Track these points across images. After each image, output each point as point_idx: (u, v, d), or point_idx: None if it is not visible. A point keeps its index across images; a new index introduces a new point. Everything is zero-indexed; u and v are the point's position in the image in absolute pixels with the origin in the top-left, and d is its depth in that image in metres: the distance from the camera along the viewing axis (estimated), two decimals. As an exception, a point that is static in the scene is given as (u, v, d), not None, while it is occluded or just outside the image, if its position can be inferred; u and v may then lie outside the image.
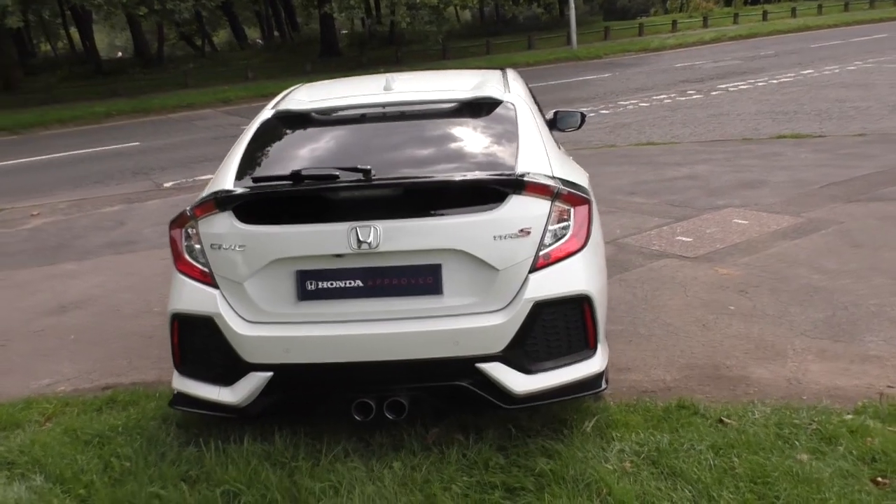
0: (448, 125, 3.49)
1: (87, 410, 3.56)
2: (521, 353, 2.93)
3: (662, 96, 15.92)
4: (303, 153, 3.41)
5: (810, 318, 4.39)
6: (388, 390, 2.93)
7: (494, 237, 2.90)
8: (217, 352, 3.01)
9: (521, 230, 2.93)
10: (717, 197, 7.29)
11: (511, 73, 4.29)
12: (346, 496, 2.67)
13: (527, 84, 4.60)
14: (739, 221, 6.42)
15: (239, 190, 3.08)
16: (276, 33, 35.57)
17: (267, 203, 3.04)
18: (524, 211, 2.95)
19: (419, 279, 2.93)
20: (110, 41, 54.18)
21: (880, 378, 3.67)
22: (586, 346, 3.06)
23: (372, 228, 2.88)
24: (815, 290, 4.81)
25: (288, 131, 3.64)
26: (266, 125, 3.65)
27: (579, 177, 3.43)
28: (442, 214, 2.94)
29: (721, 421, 3.20)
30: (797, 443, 2.98)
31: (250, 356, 2.95)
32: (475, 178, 3.03)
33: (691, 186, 7.84)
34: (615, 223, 6.64)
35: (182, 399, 3.14)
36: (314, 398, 3.05)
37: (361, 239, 2.87)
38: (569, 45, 27.42)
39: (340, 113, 3.64)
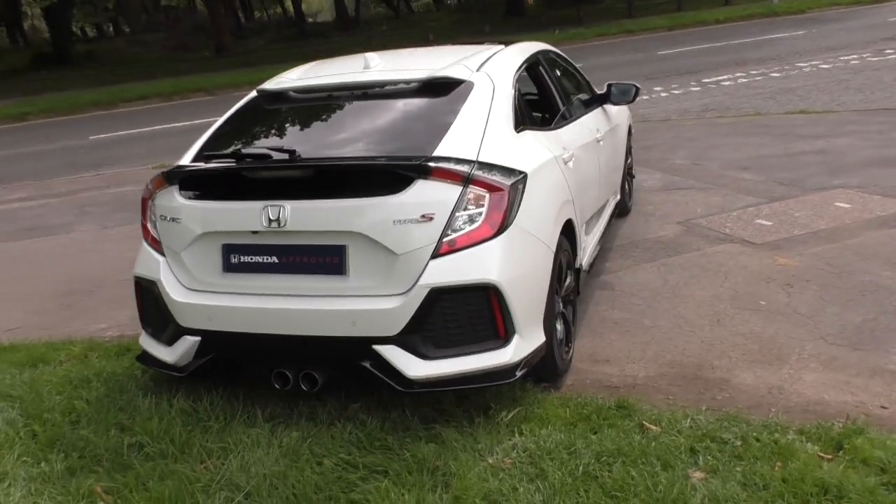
0: (401, 106, 3.50)
1: (100, 356, 4.04)
2: (419, 338, 2.94)
3: (851, 56, 14.25)
4: (260, 132, 3.59)
5: (842, 321, 3.92)
6: (301, 363, 3.07)
7: (394, 222, 2.91)
8: (161, 314, 3.31)
9: (424, 215, 2.91)
10: (836, 176, 6.55)
11: (509, 51, 4.12)
12: (230, 458, 2.87)
13: (546, 61, 4.44)
14: (841, 205, 5.75)
15: (189, 166, 3.33)
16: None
17: (202, 180, 3.27)
18: (428, 196, 2.92)
19: (325, 259, 3.02)
20: (323, 5, 57.34)
21: (879, 396, 3.23)
22: (494, 337, 3.00)
23: (280, 208, 3.01)
24: (872, 289, 4.26)
25: (262, 110, 3.82)
26: (248, 103, 3.87)
27: (526, 163, 3.27)
28: (347, 197, 2.99)
29: (642, 426, 3.01)
30: (702, 459, 2.74)
31: (183, 321, 3.22)
32: (382, 161, 3.05)
33: (815, 162, 7.09)
34: (702, 201, 6.21)
35: (144, 356, 3.49)
36: (236, 364, 3.26)
37: (271, 217, 3.01)
38: (769, 0, 25.17)
39: (310, 94, 3.76)
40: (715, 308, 4.23)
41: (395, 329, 2.92)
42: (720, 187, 6.61)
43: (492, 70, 3.68)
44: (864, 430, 2.88)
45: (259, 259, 3.12)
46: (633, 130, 6.36)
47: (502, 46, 4.23)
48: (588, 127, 4.49)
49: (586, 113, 4.70)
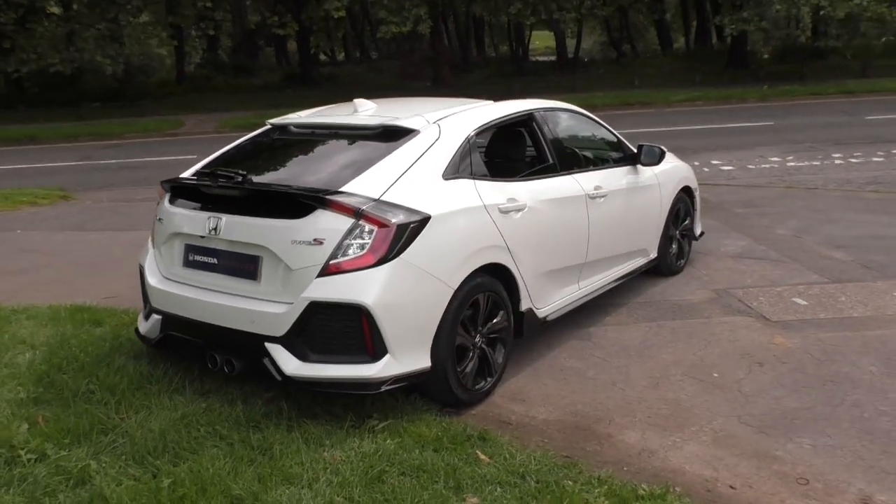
0: (355, 146, 4.05)
1: (101, 321, 4.96)
2: (300, 341, 3.47)
3: None
4: (252, 156, 4.33)
5: (776, 405, 3.85)
6: (222, 349, 3.72)
7: (292, 241, 3.48)
8: (145, 295, 4.14)
9: (316, 239, 3.45)
10: (937, 266, 6.04)
11: (484, 109, 4.45)
12: (141, 414, 3.58)
13: (542, 119, 4.73)
14: (901, 296, 5.37)
15: (172, 179, 4.13)
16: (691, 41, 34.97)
17: (178, 190, 4.05)
18: (322, 223, 3.46)
19: (245, 265, 3.66)
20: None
21: (737, 477, 3.24)
22: (363, 352, 3.44)
23: (218, 219, 3.70)
24: (839, 381, 4.09)
25: (267, 138, 4.54)
26: (260, 132, 4.61)
27: (436, 207, 3.65)
28: (264, 216, 3.61)
29: (476, 455, 3.28)
30: (490, 489, 3.00)
31: (154, 301, 4.02)
32: (292, 190, 3.62)
33: (926, 250, 6.54)
34: (762, 272, 6.04)
35: (137, 328, 4.34)
36: (182, 343, 3.97)
37: (211, 226, 3.72)
38: None
39: (302, 129, 4.43)
40: (665, 372, 4.29)
41: (280, 331, 3.49)
42: (795, 262, 6.34)
43: (446, 123, 4.11)
44: (669, 499, 2.96)
45: (205, 259, 3.83)
46: (695, 192, 6.32)
47: (488, 103, 4.63)
48: (578, 182, 4.71)
49: (587, 170, 4.92)
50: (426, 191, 3.74)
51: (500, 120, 4.51)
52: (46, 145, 18.32)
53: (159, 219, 4.11)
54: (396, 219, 3.50)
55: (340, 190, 3.56)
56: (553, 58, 34.45)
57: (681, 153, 12.91)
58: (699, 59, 30.73)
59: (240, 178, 3.74)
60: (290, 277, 3.51)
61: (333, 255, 3.44)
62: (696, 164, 11.94)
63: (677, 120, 17.12)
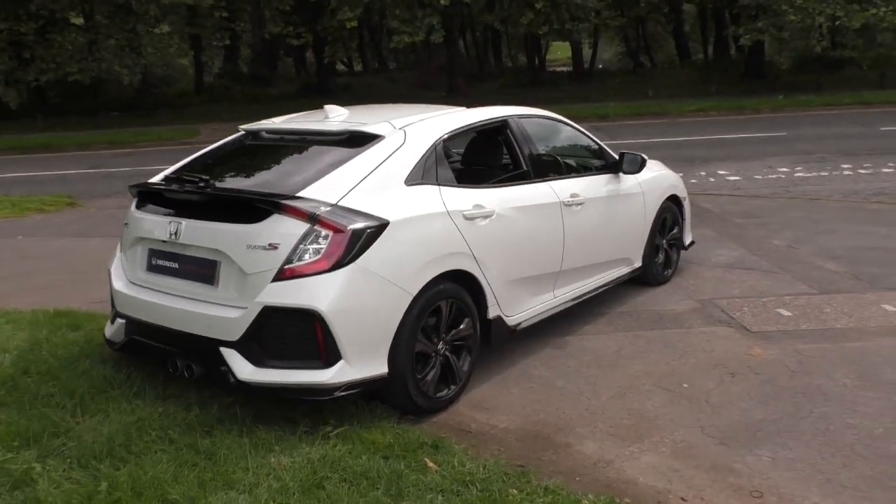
0: (321, 152, 4.03)
1: (79, 326, 4.97)
2: (253, 346, 3.46)
3: None
4: (221, 161, 4.34)
5: (741, 417, 3.78)
6: (182, 354, 3.72)
7: (248, 246, 3.48)
8: (111, 298, 4.16)
9: (270, 244, 3.44)
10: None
11: (453, 115, 4.46)
12: (96, 418, 3.60)
13: (518, 125, 4.71)
14: (888, 308, 5.26)
15: (136, 184, 4.15)
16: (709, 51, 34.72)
17: (143, 195, 4.07)
18: (277, 228, 3.45)
19: (203, 270, 3.66)
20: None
21: (691, 489, 3.18)
22: (316, 358, 3.42)
23: (179, 224, 3.71)
24: (810, 393, 4.01)
25: (239, 144, 4.54)
26: (232, 138, 4.62)
27: (396, 212, 3.64)
28: (222, 221, 3.61)
29: (425, 463, 3.25)
30: (431, 497, 2.96)
31: (118, 305, 4.04)
32: (250, 195, 3.62)
33: (920, 262, 6.41)
34: (750, 283, 5.95)
35: (104, 333, 4.36)
36: (145, 348, 3.97)
37: (171, 231, 3.73)
38: None
39: (273, 135, 4.44)
40: (634, 382, 4.23)
41: (235, 335, 3.48)
42: (786, 272, 6.25)
43: (413, 129, 4.10)
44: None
45: (167, 263, 3.84)
46: (683, 201, 6.24)
47: (461, 109, 4.61)
48: (552, 190, 4.68)
49: (563, 178, 4.88)
50: (386, 196, 3.72)
51: (470, 126, 4.50)
52: (60, 153, 18.56)
53: (126, 223, 4.13)
54: (352, 224, 3.48)
55: (297, 195, 3.55)
56: (570, 68, 34.43)
57: (688, 163, 12.92)
58: (717, 69, 30.56)
59: (202, 184, 3.75)
60: (245, 282, 3.51)
61: (288, 260, 3.43)
62: (703, 174, 11.87)
63: (688, 130, 17.00)
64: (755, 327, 5.00)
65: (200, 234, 3.67)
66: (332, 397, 3.45)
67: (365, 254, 3.50)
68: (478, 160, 4.80)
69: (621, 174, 5.40)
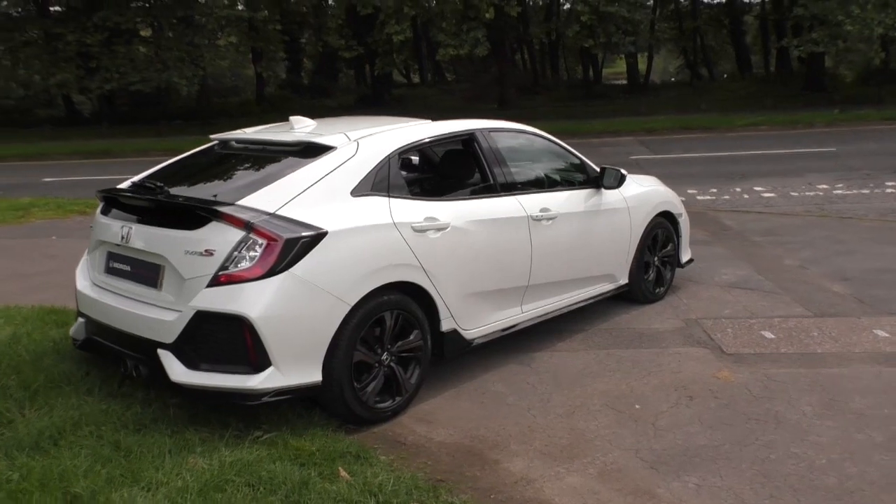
0: (275, 161, 4.11)
1: (67, 323, 5.09)
2: (187, 348, 3.55)
3: None
4: (181, 169, 4.46)
5: (683, 442, 3.67)
6: (130, 354, 3.83)
7: (186, 252, 3.58)
8: (76, 298, 4.32)
9: (206, 250, 3.53)
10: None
11: (413, 128, 4.47)
12: (38, 413, 3.75)
13: (486, 138, 4.70)
14: (880, 333, 5.04)
15: (101, 190, 4.31)
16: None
17: (106, 200, 4.22)
18: (213, 235, 3.54)
19: (149, 273, 3.78)
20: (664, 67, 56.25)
21: (604, 513, 3.11)
22: (245, 363, 3.48)
23: (130, 228, 3.85)
24: (764, 419, 3.88)
25: (209, 153, 4.65)
26: (205, 147, 4.74)
27: (337, 223, 3.68)
28: (165, 227, 3.72)
29: (339, 473, 3.26)
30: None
31: (80, 305, 4.20)
32: (189, 203, 3.71)
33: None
34: (745, 303, 5.78)
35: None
36: (101, 346, 4.10)
37: (123, 235, 3.86)
38: None
39: (240, 144, 4.54)
40: (586, 401, 4.16)
41: (171, 338, 3.58)
42: (787, 293, 6.04)
43: (367, 141, 4.13)
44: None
45: (121, 266, 3.98)
46: (678, 218, 6.09)
47: (425, 122, 4.62)
48: (520, 204, 4.64)
49: (534, 192, 4.83)
50: (329, 207, 3.76)
51: (432, 139, 4.51)
52: (120, 159, 19.30)
53: (90, 226, 4.29)
54: (286, 233, 3.54)
55: (236, 203, 3.63)
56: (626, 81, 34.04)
57: (725, 179, 12.62)
58: (777, 82, 29.76)
59: (155, 190, 3.88)
60: (182, 286, 3.61)
61: (223, 267, 3.51)
62: (737, 190, 11.57)
63: (733, 145, 16.58)
64: (732, 349, 4.86)
65: (146, 239, 3.79)
66: (260, 402, 3.51)
67: (300, 263, 3.54)
68: (441, 173, 4.81)
69: (603, 189, 5.33)
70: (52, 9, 27.19)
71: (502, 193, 4.63)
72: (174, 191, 3.98)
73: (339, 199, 3.84)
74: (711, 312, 5.62)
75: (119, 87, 23.44)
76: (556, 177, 5.25)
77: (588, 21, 20.71)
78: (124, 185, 4.38)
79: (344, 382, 3.71)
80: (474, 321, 4.40)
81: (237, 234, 3.53)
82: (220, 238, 3.55)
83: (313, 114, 5.10)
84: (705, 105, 23.34)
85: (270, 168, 4.07)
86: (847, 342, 4.91)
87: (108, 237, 4.07)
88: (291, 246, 3.53)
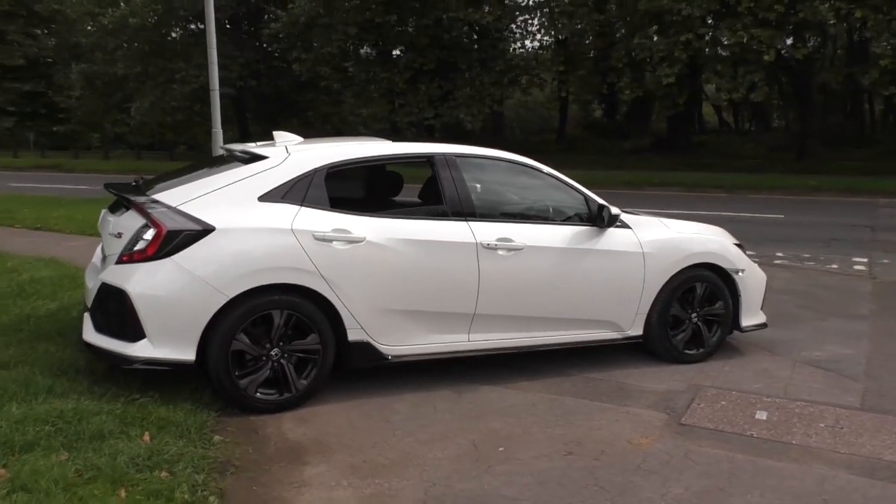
0: (224, 167, 4.54)
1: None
2: (97, 314, 4.17)
3: None
4: (180, 172, 5.09)
5: (488, 487, 3.39)
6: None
7: (109, 234, 4.24)
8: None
9: (119, 233, 4.16)
10: None
11: (362, 146, 4.66)
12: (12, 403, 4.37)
13: (450, 164, 4.68)
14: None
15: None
16: None
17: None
18: (124, 221, 4.17)
19: (105, 254, 4.50)
20: None
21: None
22: (126, 332, 3.99)
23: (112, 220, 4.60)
24: (611, 492, 3.38)
25: (206, 159, 5.30)
26: (217, 155, 5.39)
27: (227, 222, 4.04)
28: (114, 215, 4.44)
29: (144, 436, 3.60)
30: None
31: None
32: (120, 194, 4.39)
33: None
34: (790, 383, 4.88)
35: None
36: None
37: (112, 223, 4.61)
38: None
39: (228, 153, 5.05)
40: (459, 436, 3.95)
41: (90, 304, 4.24)
42: (868, 380, 4.92)
43: (299, 154, 4.41)
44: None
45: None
46: (734, 273, 5.26)
47: (384, 142, 4.77)
48: (470, 230, 4.53)
49: (494, 221, 4.67)
50: (229, 208, 4.14)
51: (376, 159, 4.68)
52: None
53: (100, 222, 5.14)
54: (172, 224, 4.00)
55: (150, 197, 4.21)
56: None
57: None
58: None
59: (128, 187, 4.64)
60: (105, 262, 4.27)
61: (127, 248, 4.09)
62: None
63: None
64: (691, 420, 4.21)
65: (111, 226, 4.51)
66: (132, 367, 4.01)
67: (182, 252, 3.98)
68: (374, 190, 4.92)
69: (612, 229, 4.94)
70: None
71: (452, 218, 4.58)
72: (148, 189, 4.64)
73: (244, 202, 4.20)
74: (730, 384, 4.82)
75: (416, 120, 26.03)
76: (538, 209, 5.00)
77: (888, 66, 17.91)
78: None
79: (220, 368, 4.03)
80: (395, 338, 4.42)
81: (139, 222, 4.09)
82: (128, 224, 4.16)
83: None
84: None
85: (209, 171, 4.59)
86: (849, 441, 3.95)
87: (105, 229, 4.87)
88: (174, 236, 3.98)
